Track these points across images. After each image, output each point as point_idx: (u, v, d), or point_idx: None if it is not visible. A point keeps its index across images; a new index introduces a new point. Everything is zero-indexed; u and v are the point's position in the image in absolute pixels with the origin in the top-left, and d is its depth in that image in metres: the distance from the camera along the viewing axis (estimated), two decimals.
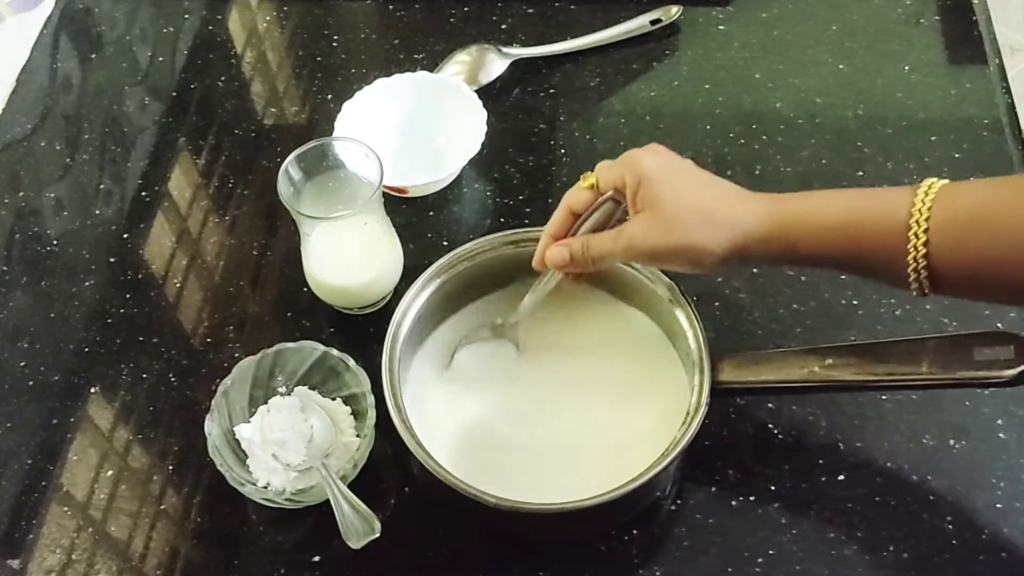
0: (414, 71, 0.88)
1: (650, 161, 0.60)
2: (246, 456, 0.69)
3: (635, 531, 0.67)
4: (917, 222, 0.53)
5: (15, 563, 0.68)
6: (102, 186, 0.88)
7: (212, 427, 0.67)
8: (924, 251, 0.53)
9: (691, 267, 0.60)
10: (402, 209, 0.84)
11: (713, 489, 0.69)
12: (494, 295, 0.74)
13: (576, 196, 0.64)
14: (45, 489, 0.71)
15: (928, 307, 0.76)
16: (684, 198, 0.59)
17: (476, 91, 0.86)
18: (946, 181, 0.54)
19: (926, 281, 0.54)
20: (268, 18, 1.01)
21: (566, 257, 0.63)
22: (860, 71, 0.92)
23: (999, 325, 0.75)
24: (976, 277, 0.53)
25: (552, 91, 0.92)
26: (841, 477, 0.69)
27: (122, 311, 0.80)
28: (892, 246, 0.54)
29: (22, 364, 0.77)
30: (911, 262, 0.53)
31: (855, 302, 0.76)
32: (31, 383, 0.76)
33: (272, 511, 0.69)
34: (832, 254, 0.57)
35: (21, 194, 0.88)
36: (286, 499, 0.66)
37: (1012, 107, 0.88)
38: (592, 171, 0.64)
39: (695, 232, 0.58)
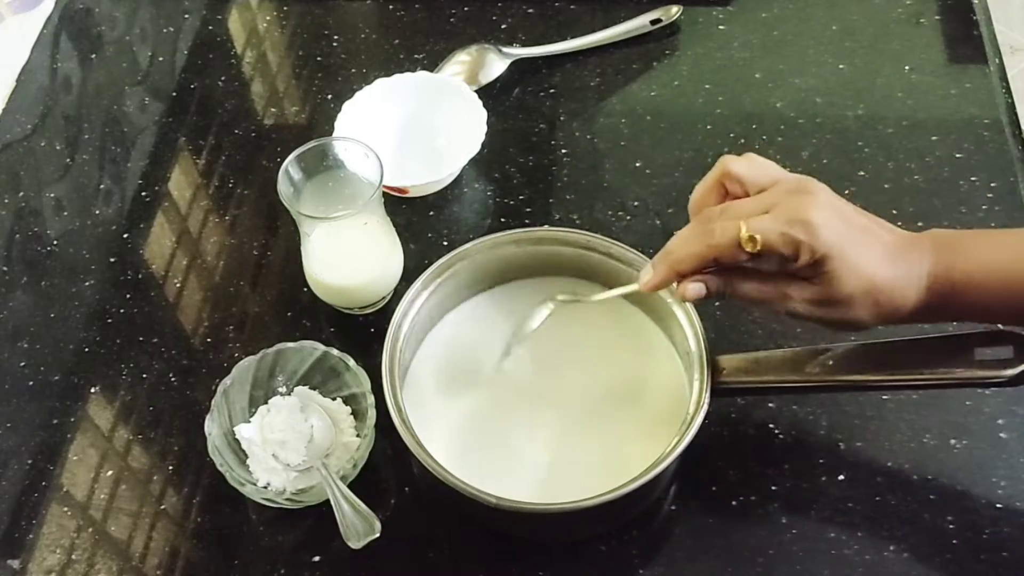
0: (414, 71, 0.88)
1: (828, 231, 0.53)
2: (246, 456, 0.69)
3: (635, 531, 0.67)
4: None
5: (15, 563, 0.68)
6: (102, 186, 0.88)
7: (212, 427, 0.67)
8: None
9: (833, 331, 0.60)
10: (402, 209, 0.84)
11: (713, 489, 0.69)
12: (494, 292, 0.74)
13: (728, 251, 0.55)
14: (45, 489, 0.71)
15: None
16: (857, 277, 0.55)
17: (476, 91, 0.86)
18: None
19: None
20: (268, 18, 1.01)
21: (702, 293, 0.58)
22: (860, 71, 0.92)
23: (999, 325, 0.74)
24: None
25: (552, 91, 0.92)
26: (841, 477, 0.68)
27: (122, 311, 0.80)
28: None
29: (22, 364, 0.77)
30: None
31: None
32: (31, 383, 0.76)
33: (272, 511, 0.69)
34: (992, 319, 0.59)
35: (21, 194, 0.88)
36: (286, 499, 0.66)
37: (1012, 107, 0.88)
38: (739, 215, 0.55)
39: (857, 311, 0.56)
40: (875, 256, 0.55)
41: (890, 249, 0.56)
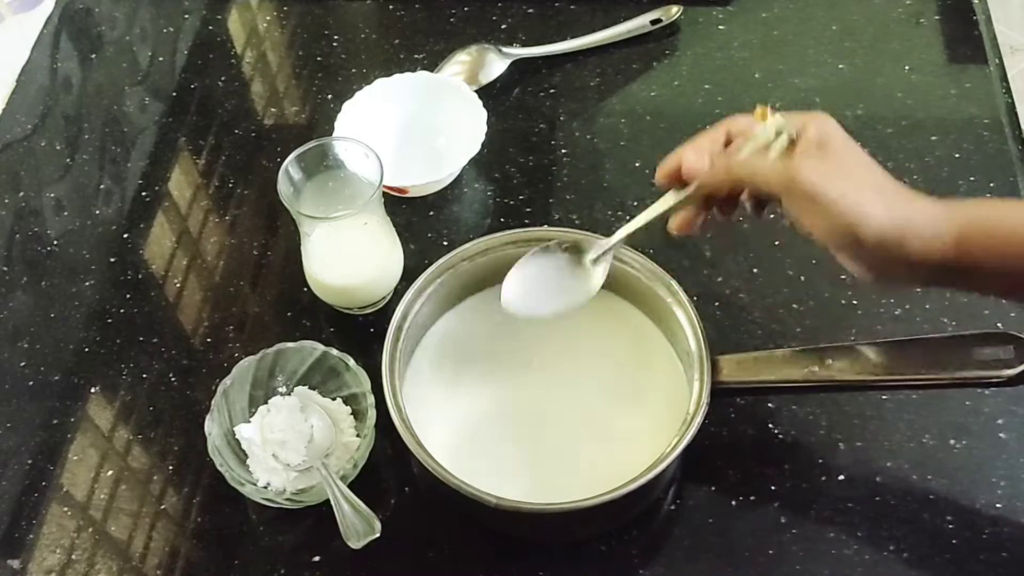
0: (414, 71, 0.88)
1: (837, 126, 0.57)
2: (246, 456, 0.69)
3: (635, 531, 0.67)
4: None
5: (15, 563, 0.68)
6: (102, 186, 0.88)
7: (212, 427, 0.67)
8: None
9: (842, 235, 0.54)
10: (402, 209, 0.84)
11: (713, 489, 0.69)
12: (494, 291, 0.74)
13: (740, 122, 0.59)
14: (45, 489, 0.71)
15: (928, 307, 0.76)
16: (863, 164, 0.55)
17: (476, 91, 0.86)
18: None
19: None
20: (268, 18, 1.01)
21: (705, 163, 0.58)
22: (860, 71, 0.92)
23: (999, 325, 0.75)
24: None
25: (552, 91, 0.92)
26: (841, 477, 0.69)
27: (122, 311, 0.80)
28: None
29: (22, 364, 0.77)
30: None
31: (855, 302, 0.76)
32: (31, 383, 0.76)
33: (272, 511, 0.69)
34: (1015, 264, 0.53)
35: (21, 194, 0.88)
36: (286, 499, 0.66)
37: (1012, 107, 0.88)
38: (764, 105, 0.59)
39: (863, 193, 0.53)
40: (877, 166, 0.56)
41: (898, 186, 0.55)
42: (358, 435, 0.69)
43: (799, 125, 0.57)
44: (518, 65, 0.93)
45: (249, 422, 0.70)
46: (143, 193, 0.87)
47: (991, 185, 0.82)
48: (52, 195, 0.88)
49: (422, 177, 0.81)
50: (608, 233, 0.70)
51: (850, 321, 0.76)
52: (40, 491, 0.71)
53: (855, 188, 0.54)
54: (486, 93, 0.89)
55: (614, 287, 0.73)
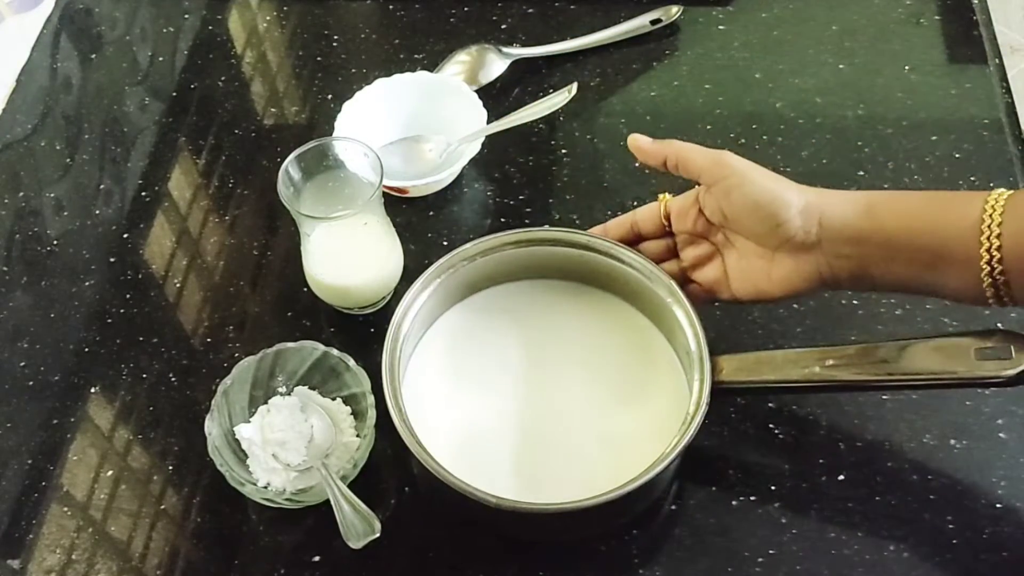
0: (414, 71, 0.88)
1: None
2: (246, 456, 0.69)
3: (635, 531, 0.67)
4: (991, 216, 0.54)
5: (15, 563, 0.68)
6: (102, 186, 0.88)
7: (212, 427, 0.67)
8: (998, 243, 0.54)
9: (765, 212, 0.60)
10: (402, 209, 0.84)
11: (713, 489, 0.69)
12: (494, 291, 0.74)
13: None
14: (45, 489, 0.71)
15: (928, 307, 0.76)
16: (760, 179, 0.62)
17: (476, 91, 0.86)
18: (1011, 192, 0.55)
19: (1000, 276, 0.54)
20: (268, 18, 1.01)
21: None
22: (860, 71, 0.92)
23: (999, 325, 0.74)
24: None
25: (552, 91, 0.92)
26: (841, 477, 0.69)
27: (122, 311, 0.80)
28: (967, 240, 0.55)
29: (22, 364, 0.77)
30: (984, 255, 0.54)
31: (855, 302, 0.76)
32: (31, 383, 0.76)
33: (272, 511, 0.69)
34: (920, 231, 0.57)
35: (21, 194, 0.88)
36: (286, 499, 0.66)
37: (1012, 107, 0.88)
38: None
39: (779, 180, 0.61)
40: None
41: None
42: (358, 435, 0.69)
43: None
44: (518, 65, 0.93)
45: (249, 422, 0.70)
46: (143, 193, 0.87)
47: (991, 185, 0.82)
48: (52, 195, 0.88)
49: (422, 177, 0.81)
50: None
51: (850, 321, 0.76)
52: (40, 491, 0.71)
53: (772, 176, 0.62)
54: (486, 93, 0.89)
55: (614, 287, 0.73)
